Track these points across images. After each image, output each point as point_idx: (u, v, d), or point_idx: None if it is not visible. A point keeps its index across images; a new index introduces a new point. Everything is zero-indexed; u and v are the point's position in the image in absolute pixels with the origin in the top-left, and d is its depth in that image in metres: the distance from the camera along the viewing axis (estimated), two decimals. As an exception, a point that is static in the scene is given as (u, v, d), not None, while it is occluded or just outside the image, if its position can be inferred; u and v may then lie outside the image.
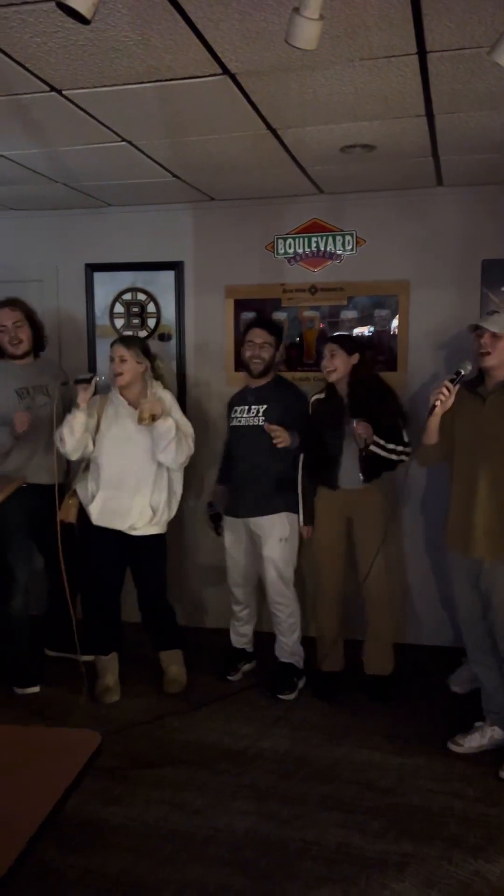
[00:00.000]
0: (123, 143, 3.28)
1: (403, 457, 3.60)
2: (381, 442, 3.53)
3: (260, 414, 3.77)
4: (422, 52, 2.37)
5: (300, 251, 4.33)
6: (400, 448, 3.57)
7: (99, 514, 3.63)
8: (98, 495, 3.62)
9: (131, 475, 3.60)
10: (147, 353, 3.69)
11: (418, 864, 2.53)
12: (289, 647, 3.88)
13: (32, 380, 3.88)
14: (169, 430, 3.50)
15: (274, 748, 3.28)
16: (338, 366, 3.65)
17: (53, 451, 3.67)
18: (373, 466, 3.64)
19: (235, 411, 3.87)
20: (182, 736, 3.38)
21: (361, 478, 3.66)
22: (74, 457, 3.66)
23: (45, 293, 4.64)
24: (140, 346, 3.67)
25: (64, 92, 2.70)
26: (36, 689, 3.84)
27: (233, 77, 2.56)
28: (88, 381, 3.59)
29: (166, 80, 2.59)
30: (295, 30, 1.70)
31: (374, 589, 3.74)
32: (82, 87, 2.66)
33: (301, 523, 3.81)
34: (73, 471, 4.06)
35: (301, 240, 4.32)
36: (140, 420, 3.48)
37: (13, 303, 3.87)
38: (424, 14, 2.12)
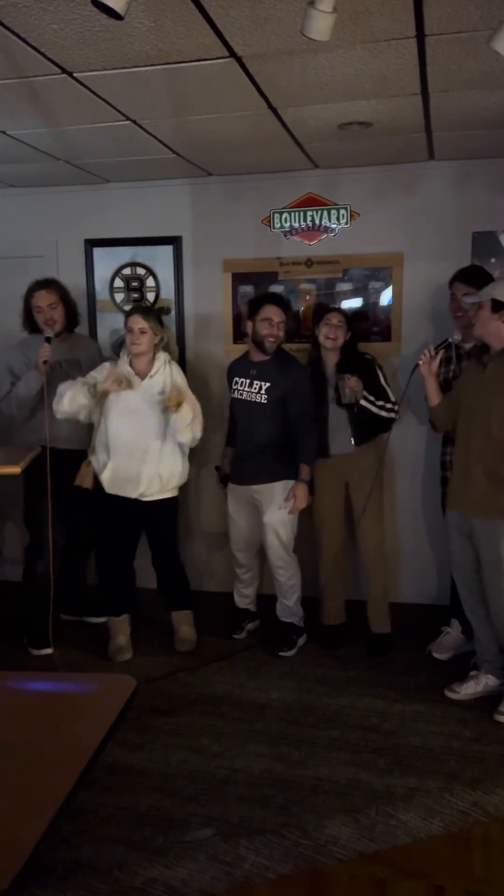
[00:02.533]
0: (128, 122, 3.38)
1: (393, 414, 3.80)
2: (371, 398, 3.73)
3: (262, 391, 3.86)
4: (420, 36, 2.50)
5: (296, 225, 4.46)
6: (388, 405, 3.78)
7: (110, 483, 3.77)
8: (109, 464, 3.76)
9: (140, 444, 3.73)
10: (162, 325, 3.83)
11: (422, 796, 2.74)
12: (289, 607, 4.06)
13: (66, 354, 4.04)
14: (188, 414, 3.64)
15: (282, 698, 3.48)
16: (340, 336, 3.83)
17: (47, 415, 3.80)
18: (363, 428, 3.83)
19: (237, 382, 3.95)
20: (194, 689, 3.58)
21: (353, 442, 3.85)
22: (61, 417, 3.75)
23: (46, 269, 4.72)
24: (156, 317, 3.79)
25: (75, 74, 2.80)
26: (49, 650, 4.01)
27: (239, 60, 2.68)
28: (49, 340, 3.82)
29: (175, 63, 2.70)
30: (310, 22, 1.83)
31: (370, 551, 3.96)
32: (93, 70, 2.76)
33: None
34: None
35: (297, 214, 4.44)
36: (166, 408, 3.61)
37: (49, 284, 4.02)
38: (424, 0, 2.25)
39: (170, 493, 3.86)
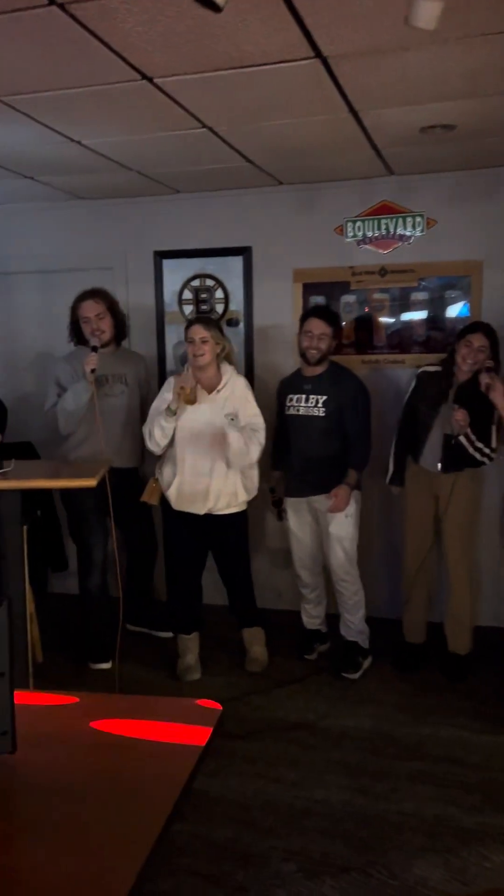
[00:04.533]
0: (204, 129, 3.32)
1: (486, 459, 3.61)
2: (473, 437, 3.55)
3: (319, 405, 3.79)
4: (518, 28, 2.36)
5: (370, 234, 4.34)
6: (487, 450, 3.59)
7: (177, 500, 3.69)
8: (175, 481, 3.68)
9: (206, 459, 3.64)
10: (223, 333, 3.74)
11: (517, 837, 2.57)
12: (354, 625, 3.93)
13: (111, 368, 3.97)
14: (236, 440, 3.55)
15: (358, 726, 3.33)
16: (478, 360, 3.58)
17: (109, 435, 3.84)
18: (455, 458, 3.65)
19: (291, 399, 3.89)
20: (267, 713, 3.46)
21: (439, 467, 3.69)
22: (160, 452, 3.74)
23: (115, 281, 4.70)
24: (217, 327, 3.71)
25: (155, 80, 2.74)
26: (107, 665, 3.94)
27: (324, 60, 2.58)
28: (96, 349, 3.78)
29: (257, 66, 2.62)
30: (417, 10, 1.72)
31: (453, 564, 3.79)
32: (174, 75, 2.70)
33: (387, 482, 3.96)
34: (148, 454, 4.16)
35: (371, 222, 4.32)
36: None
37: (96, 294, 3.95)
38: (527, -10, 2.12)
39: (239, 508, 3.76)
